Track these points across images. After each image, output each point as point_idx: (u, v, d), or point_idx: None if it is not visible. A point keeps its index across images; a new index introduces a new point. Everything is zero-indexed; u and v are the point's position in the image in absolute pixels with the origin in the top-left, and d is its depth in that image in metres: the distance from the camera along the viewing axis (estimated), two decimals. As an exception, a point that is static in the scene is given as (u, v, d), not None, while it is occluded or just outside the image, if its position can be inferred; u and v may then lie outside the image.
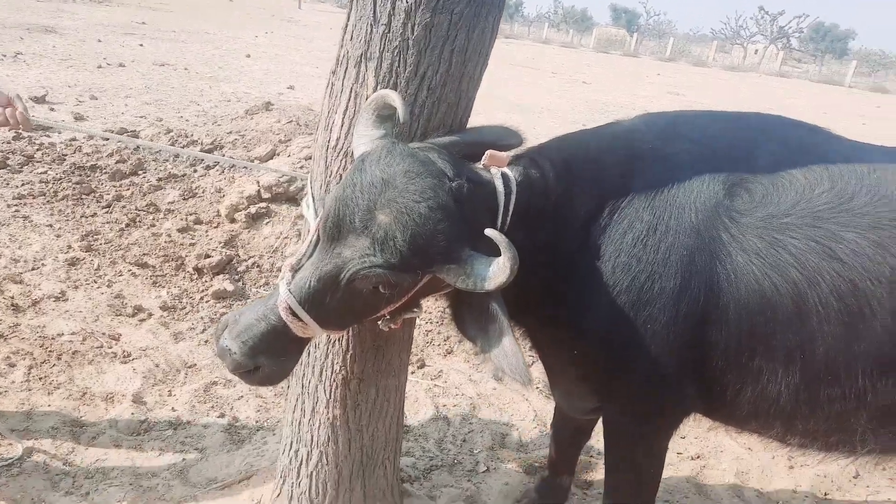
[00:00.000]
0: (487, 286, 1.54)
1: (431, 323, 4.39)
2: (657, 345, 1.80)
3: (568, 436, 2.68)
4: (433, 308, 4.35)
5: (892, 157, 1.86)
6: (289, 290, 1.64)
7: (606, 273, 1.80)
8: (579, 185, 1.84)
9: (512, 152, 1.89)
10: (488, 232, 1.55)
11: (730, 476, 3.33)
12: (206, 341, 3.93)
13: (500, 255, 1.53)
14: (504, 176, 1.77)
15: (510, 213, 1.75)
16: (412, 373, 3.87)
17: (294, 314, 1.64)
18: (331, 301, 1.63)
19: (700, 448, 3.52)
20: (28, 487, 2.67)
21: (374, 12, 1.80)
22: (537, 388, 3.79)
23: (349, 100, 1.93)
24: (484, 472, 3.13)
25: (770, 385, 1.79)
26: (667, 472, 3.28)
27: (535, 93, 16.56)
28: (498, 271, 1.53)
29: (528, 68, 24.13)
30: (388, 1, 1.77)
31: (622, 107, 15.99)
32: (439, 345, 4.22)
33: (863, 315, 1.66)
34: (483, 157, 1.78)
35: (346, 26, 1.91)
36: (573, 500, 3.00)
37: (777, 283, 1.69)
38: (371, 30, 1.81)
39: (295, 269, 1.69)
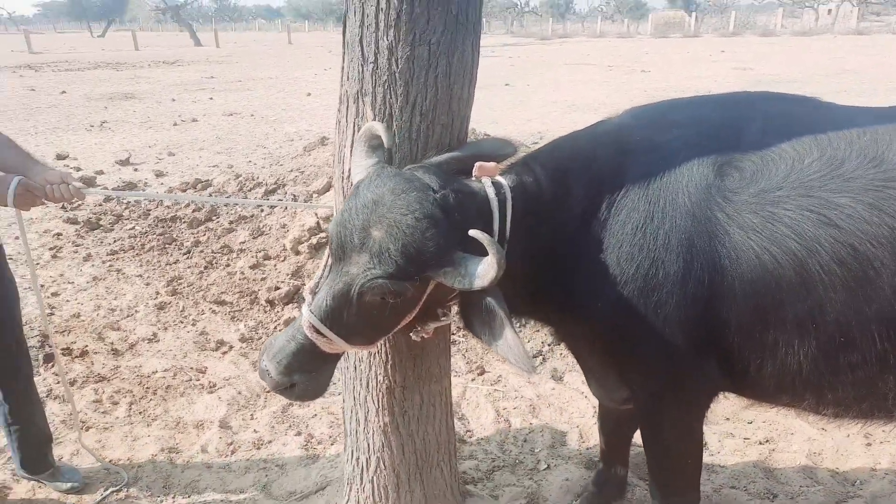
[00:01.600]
0: (480, 283, 1.66)
1: (490, 330, 4.51)
2: (670, 328, 1.85)
3: (613, 426, 2.72)
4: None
5: (883, 119, 1.84)
6: (310, 310, 1.83)
7: (612, 265, 1.87)
8: (575, 184, 1.93)
9: (505, 162, 2.00)
10: (472, 232, 1.67)
11: (801, 458, 3.25)
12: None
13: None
14: (496, 184, 1.89)
15: (508, 218, 1.86)
16: (472, 379, 4.01)
17: (317, 331, 1.83)
18: (348, 316, 1.80)
19: (768, 432, 3.45)
20: (135, 509, 3.01)
21: (363, 52, 1.98)
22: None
23: (353, 133, 2.11)
24: (545, 469, 3.21)
25: (788, 357, 1.80)
26: (733, 458, 3.27)
27: (592, 90, 16.40)
28: (487, 268, 1.65)
29: (584, 65, 23.88)
30: (372, 41, 1.95)
31: (685, 91, 15.52)
32: (499, 350, 4.33)
33: (868, 278, 1.66)
34: (473, 170, 1.91)
35: (343, 68, 2.11)
36: (635, 491, 3.01)
37: (777, 255, 1.71)
38: (362, 68, 2.00)
39: (314, 292, 1.89)
